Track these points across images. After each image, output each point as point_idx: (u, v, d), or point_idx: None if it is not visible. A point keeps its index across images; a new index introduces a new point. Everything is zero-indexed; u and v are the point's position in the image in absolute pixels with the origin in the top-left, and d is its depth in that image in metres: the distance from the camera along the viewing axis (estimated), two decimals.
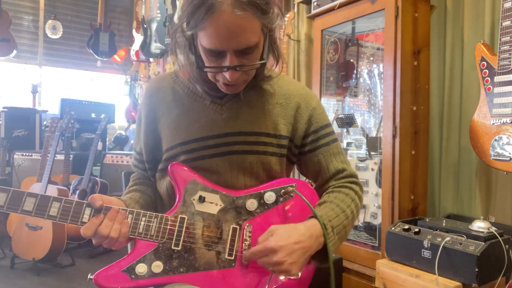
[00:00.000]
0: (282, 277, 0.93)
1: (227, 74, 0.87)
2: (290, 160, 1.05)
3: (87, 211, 0.89)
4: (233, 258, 0.92)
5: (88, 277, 0.88)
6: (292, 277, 0.92)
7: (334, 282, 0.91)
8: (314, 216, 0.91)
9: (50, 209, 0.88)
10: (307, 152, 1.04)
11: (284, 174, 1.05)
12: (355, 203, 1.00)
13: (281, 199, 0.97)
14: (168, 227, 0.91)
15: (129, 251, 0.94)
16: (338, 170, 1.03)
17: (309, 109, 1.03)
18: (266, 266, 0.87)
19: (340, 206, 0.96)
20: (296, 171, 1.16)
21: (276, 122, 1.00)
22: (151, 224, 0.91)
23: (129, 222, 0.90)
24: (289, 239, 0.85)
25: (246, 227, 0.94)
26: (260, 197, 0.96)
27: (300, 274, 0.91)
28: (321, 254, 0.91)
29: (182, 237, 0.91)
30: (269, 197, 0.96)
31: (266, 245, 0.85)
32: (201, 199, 0.94)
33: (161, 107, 1.03)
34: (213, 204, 0.94)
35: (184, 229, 0.92)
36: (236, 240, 0.93)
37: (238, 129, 0.98)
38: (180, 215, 0.93)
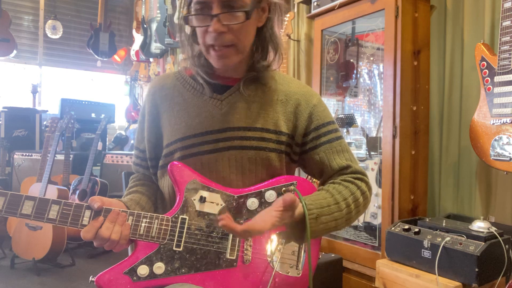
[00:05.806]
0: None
1: (211, 28, 0.88)
2: (292, 158, 1.04)
3: (87, 213, 0.87)
4: (234, 257, 0.92)
5: (90, 279, 0.87)
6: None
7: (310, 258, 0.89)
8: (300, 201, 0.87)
9: (49, 212, 0.86)
10: (308, 150, 1.02)
11: (283, 172, 1.03)
12: (355, 197, 0.95)
13: None
14: (169, 228, 0.91)
15: (129, 253, 0.93)
16: (342, 167, 1.00)
17: (309, 106, 1.02)
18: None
19: (335, 197, 0.92)
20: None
21: (276, 118, 1.00)
22: (152, 226, 0.90)
23: (130, 224, 0.89)
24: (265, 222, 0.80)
25: None
26: (261, 196, 0.96)
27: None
28: (299, 233, 0.87)
29: (183, 238, 0.91)
30: (270, 195, 0.96)
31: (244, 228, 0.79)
32: (202, 199, 0.93)
33: (163, 104, 1.03)
34: (214, 204, 0.94)
35: (185, 230, 0.92)
36: (237, 240, 0.93)
37: (237, 124, 0.98)
38: (181, 216, 0.92)
